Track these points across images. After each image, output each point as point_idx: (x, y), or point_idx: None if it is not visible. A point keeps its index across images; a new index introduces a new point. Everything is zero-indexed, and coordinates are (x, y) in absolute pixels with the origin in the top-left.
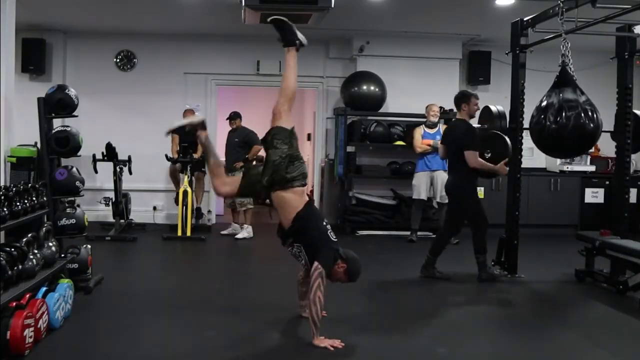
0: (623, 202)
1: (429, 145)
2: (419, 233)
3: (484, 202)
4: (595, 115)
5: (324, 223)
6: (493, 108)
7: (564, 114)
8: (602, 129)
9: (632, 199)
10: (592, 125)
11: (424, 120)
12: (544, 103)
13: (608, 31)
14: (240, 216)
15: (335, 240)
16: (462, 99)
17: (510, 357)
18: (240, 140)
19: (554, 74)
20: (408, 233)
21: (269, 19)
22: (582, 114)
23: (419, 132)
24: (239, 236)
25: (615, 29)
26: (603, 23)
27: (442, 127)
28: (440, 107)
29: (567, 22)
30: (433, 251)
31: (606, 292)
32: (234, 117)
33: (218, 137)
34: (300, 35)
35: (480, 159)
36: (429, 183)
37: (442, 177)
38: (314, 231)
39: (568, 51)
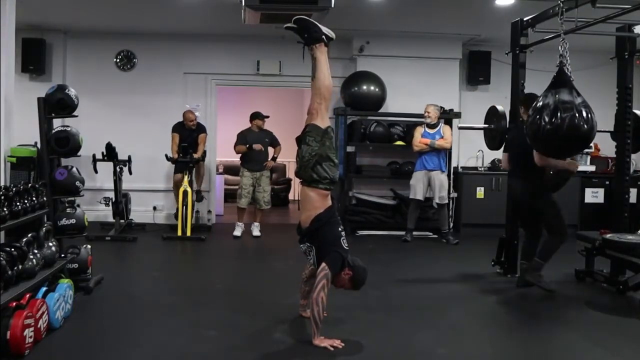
0: (623, 202)
1: (426, 144)
2: (415, 233)
3: (484, 202)
4: (590, 116)
5: (340, 229)
6: (499, 107)
7: (559, 114)
8: (602, 129)
9: (632, 199)
10: (586, 126)
11: (424, 120)
12: (540, 103)
13: (608, 31)
14: (258, 215)
15: (347, 248)
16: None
17: (510, 357)
18: (269, 140)
19: (554, 74)
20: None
21: (285, 26)
22: (577, 115)
23: (419, 131)
24: (256, 234)
25: (615, 29)
26: (603, 23)
27: (443, 127)
28: (440, 107)
29: (567, 22)
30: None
31: (606, 292)
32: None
33: (218, 137)
34: (325, 29)
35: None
36: (427, 183)
37: (439, 177)
38: (327, 235)
39: (566, 52)
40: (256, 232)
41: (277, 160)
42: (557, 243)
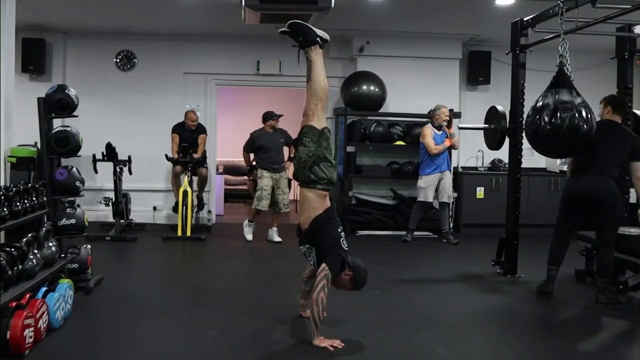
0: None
1: (443, 147)
2: (415, 233)
3: (484, 202)
4: (589, 116)
5: (339, 230)
6: (500, 108)
7: (558, 115)
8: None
9: (632, 199)
10: (586, 126)
11: (425, 120)
12: (540, 103)
13: (608, 31)
14: (275, 219)
15: (347, 249)
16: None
17: (510, 357)
18: (284, 140)
19: (554, 74)
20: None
21: (279, 31)
22: (577, 115)
23: (430, 133)
24: (277, 239)
25: (615, 29)
26: (603, 23)
27: (444, 127)
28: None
29: (567, 22)
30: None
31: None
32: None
33: (218, 138)
34: (319, 32)
35: None
36: (436, 185)
37: (448, 177)
38: (327, 236)
39: (566, 52)
40: (276, 237)
41: None
42: (612, 256)
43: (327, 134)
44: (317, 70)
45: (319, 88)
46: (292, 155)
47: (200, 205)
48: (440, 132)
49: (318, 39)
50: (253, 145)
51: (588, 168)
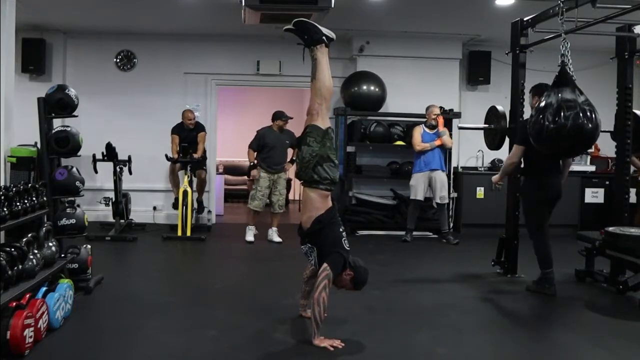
0: (623, 202)
1: (432, 146)
2: (415, 233)
3: (484, 202)
4: (594, 116)
5: (341, 230)
6: (500, 108)
7: (562, 113)
8: (602, 129)
9: (632, 199)
10: (590, 125)
11: (424, 120)
12: (543, 103)
13: (608, 31)
14: (274, 220)
15: (348, 249)
16: None
17: (510, 357)
18: (290, 141)
19: (554, 74)
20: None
21: (285, 28)
22: (581, 114)
23: (418, 131)
24: (277, 239)
25: (615, 29)
26: (603, 23)
27: (441, 128)
28: (440, 107)
29: (567, 22)
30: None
31: (606, 292)
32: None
33: (218, 138)
34: (325, 31)
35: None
36: (427, 183)
37: (440, 177)
38: (329, 236)
39: (568, 51)
40: (276, 237)
41: None
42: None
43: (330, 134)
44: (323, 69)
45: (324, 87)
46: (294, 158)
47: (200, 208)
48: (434, 131)
49: (324, 37)
50: (259, 142)
51: (556, 170)
